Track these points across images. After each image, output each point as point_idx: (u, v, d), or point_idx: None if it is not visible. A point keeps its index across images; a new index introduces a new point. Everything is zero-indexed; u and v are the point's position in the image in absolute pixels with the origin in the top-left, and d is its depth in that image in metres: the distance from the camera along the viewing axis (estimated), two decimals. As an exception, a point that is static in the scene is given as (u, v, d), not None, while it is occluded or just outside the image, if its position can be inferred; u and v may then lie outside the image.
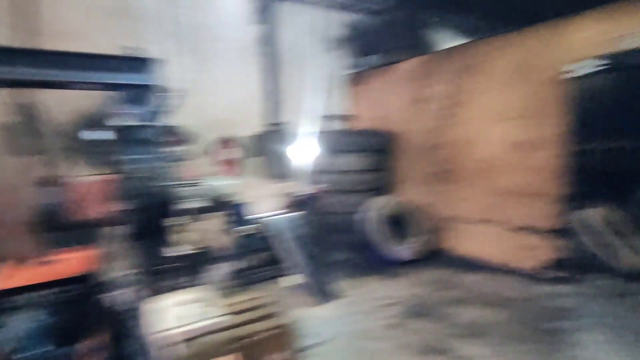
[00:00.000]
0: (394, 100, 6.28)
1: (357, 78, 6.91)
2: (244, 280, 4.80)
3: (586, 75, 7.79)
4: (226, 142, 5.93)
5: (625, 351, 3.13)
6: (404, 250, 5.44)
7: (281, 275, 4.88)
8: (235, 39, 5.97)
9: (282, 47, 6.30)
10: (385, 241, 5.37)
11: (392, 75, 6.29)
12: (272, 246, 4.94)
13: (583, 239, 4.70)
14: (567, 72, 4.37)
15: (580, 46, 4.17)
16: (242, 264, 4.87)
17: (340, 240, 5.95)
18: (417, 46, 6.25)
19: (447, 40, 6.60)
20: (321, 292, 4.31)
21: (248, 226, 4.92)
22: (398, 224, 5.75)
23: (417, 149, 6.01)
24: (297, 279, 4.50)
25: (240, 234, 4.84)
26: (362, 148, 5.96)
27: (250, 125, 6.13)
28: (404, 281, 4.79)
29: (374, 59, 6.84)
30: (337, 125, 6.85)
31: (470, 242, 5.51)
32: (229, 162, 5.98)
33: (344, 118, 6.98)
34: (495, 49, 4.97)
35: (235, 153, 6.00)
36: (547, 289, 4.43)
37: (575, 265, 4.74)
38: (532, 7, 5.75)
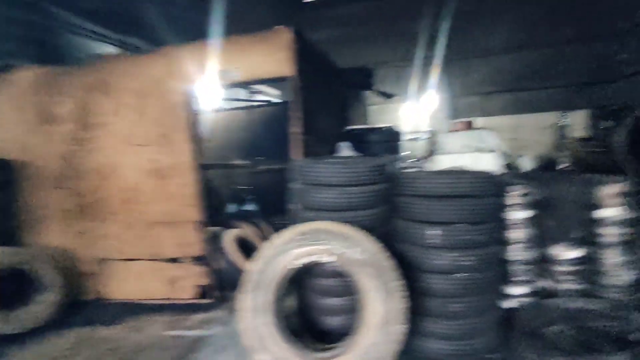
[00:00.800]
0: (12, 119, 4.81)
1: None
2: None
3: (223, 108, 8.83)
4: None
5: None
6: (16, 317, 4.04)
7: None
8: None
9: None
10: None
11: (7, 88, 4.81)
12: None
13: (226, 260, 4.96)
14: (191, 100, 4.47)
15: (195, 74, 4.33)
16: None
17: None
18: (39, 54, 5.07)
19: (82, 51, 5.76)
20: None
21: None
22: (20, 282, 4.31)
23: (51, 180, 4.78)
24: None
25: None
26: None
27: None
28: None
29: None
30: None
31: (124, 283, 4.81)
32: None
33: None
34: (124, 69, 4.58)
35: None
36: (198, 317, 4.32)
37: (224, 287, 4.92)
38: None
